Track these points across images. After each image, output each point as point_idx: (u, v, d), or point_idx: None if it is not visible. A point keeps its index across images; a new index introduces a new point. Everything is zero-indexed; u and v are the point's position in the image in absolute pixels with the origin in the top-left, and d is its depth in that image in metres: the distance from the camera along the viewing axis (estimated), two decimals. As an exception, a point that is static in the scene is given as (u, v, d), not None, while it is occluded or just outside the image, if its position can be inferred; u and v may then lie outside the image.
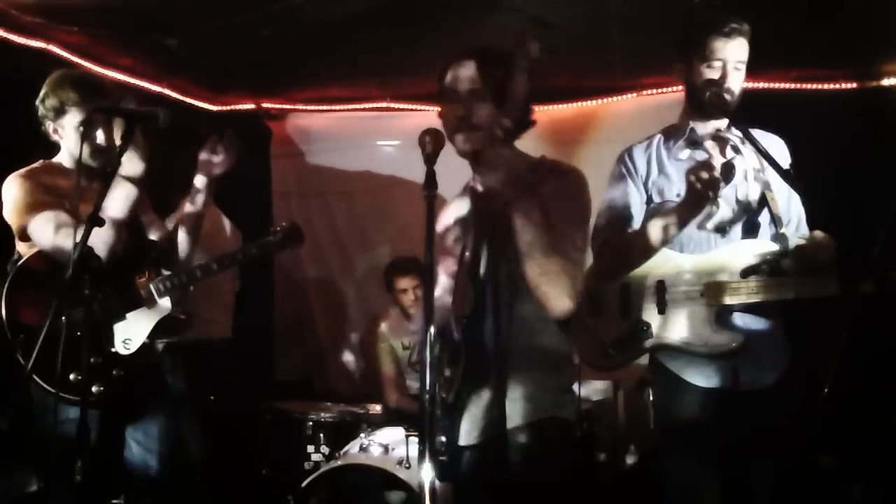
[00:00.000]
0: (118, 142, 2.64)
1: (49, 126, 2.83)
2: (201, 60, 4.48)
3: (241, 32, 4.06)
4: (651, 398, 2.87)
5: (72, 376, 2.55)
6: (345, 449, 3.72)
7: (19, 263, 2.72)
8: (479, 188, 2.26)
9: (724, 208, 2.58)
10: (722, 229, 2.61)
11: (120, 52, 4.24)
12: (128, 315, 2.81)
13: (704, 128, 2.70)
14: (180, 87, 4.90)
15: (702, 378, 2.56)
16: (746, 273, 2.56)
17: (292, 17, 3.86)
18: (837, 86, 4.52)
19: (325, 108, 5.43)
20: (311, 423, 4.00)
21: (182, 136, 2.96)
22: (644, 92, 4.82)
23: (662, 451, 2.73)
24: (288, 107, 5.49)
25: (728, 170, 2.52)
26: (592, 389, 4.40)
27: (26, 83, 3.98)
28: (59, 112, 2.78)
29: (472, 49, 2.22)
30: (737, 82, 2.58)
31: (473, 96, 2.18)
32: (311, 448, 3.95)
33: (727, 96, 2.54)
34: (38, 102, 2.83)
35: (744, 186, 2.61)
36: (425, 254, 1.80)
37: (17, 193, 2.72)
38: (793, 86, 4.57)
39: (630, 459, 4.40)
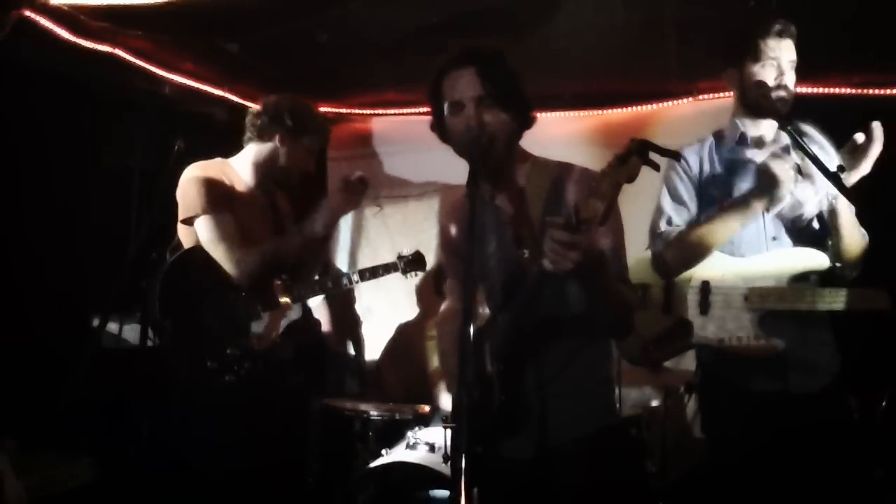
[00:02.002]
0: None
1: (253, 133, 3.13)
2: (261, 65, 4.58)
3: (299, 37, 4.14)
4: (695, 402, 2.86)
5: (209, 363, 2.82)
6: (392, 447, 3.77)
7: (178, 254, 2.94)
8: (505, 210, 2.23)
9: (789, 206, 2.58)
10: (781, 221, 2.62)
11: (183, 56, 4.36)
12: (263, 315, 3.00)
13: (756, 130, 2.70)
14: (241, 91, 5.01)
15: (747, 381, 2.54)
16: (794, 280, 2.53)
17: (349, 22, 3.93)
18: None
19: (380, 112, 5.49)
20: (360, 421, 4.06)
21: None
22: (700, 97, 4.77)
23: (709, 454, 2.71)
24: (344, 111, 5.56)
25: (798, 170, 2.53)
26: (643, 395, 4.36)
27: (93, 85, 4.18)
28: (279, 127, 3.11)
29: (468, 54, 2.15)
30: (791, 81, 2.59)
31: (480, 104, 2.11)
32: (359, 445, 4.01)
33: (784, 94, 2.56)
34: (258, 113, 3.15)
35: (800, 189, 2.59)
36: (466, 250, 1.83)
37: (196, 186, 2.93)
38: (853, 91, 4.47)
39: (680, 467, 4.34)
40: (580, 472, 2.11)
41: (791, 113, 2.60)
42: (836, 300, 2.49)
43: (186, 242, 2.97)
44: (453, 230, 2.39)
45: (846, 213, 2.53)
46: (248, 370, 2.90)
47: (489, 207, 2.25)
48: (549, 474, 2.13)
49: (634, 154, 1.71)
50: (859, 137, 2.47)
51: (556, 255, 1.80)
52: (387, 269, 3.51)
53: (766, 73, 2.58)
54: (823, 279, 2.60)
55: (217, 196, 2.91)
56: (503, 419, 2.12)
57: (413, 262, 3.59)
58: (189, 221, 2.93)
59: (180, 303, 2.85)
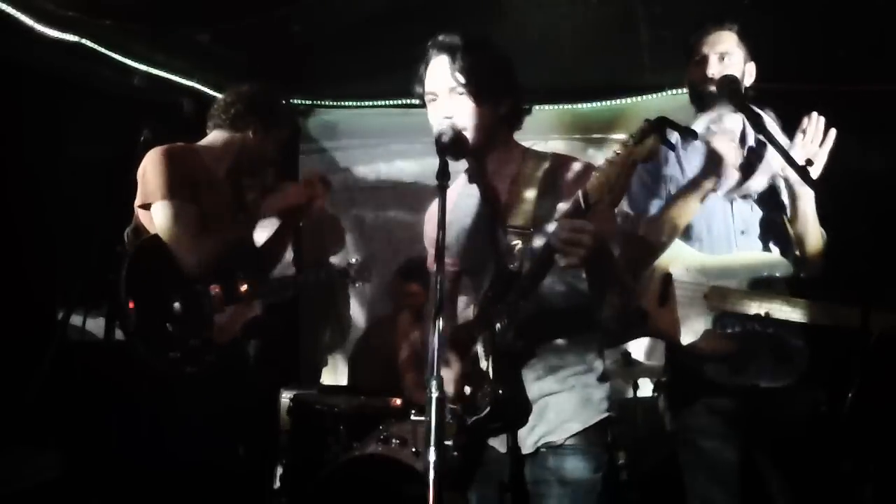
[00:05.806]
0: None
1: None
2: (232, 55, 4.54)
3: (271, 28, 4.11)
4: (665, 397, 2.87)
5: (171, 354, 2.74)
6: (364, 440, 3.76)
7: (144, 239, 2.83)
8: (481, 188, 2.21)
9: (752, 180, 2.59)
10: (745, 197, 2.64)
11: (152, 46, 4.31)
12: (226, 308, 2.92)
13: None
14: (211, 81, 4.96)
15: (715, 375, 2.55)
16: (754, 285, 2.53)
17: (321, 13, 3.91)
18: (866, 88, 4.44)
19: (352, 103, 5.46)
20: (331, 415, 4.04)
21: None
22: (671, 91, 4.79)
23: (676, 449, 2.73)
24: (316, 102, 5.53)
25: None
26: (612, 389, 4.36)
27: (59, 74, 4.11)
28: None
29: (442, 43, 2.11)
30: (732, 68, 2.63)
31: (451, 93, 2.08)
32: (331, 439, 3.98)
33: (721, 78, 2.57)
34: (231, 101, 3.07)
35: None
36: (437, 241, 1.81)
37: (157, 170, 2.81)
38: (820, 87, 4.50)
39: (650, 461, 4.37)
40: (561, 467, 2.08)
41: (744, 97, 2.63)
42: (795, 311, 2.47)
43: (151, 228, 2.85)
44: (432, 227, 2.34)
45: (806, 198, 2.53)
46: (209, 363, 2.83)
47: (477, 199, 2.23)
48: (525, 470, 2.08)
49: (653, 132, 1.65)
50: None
51: (567, 245, 1.76)
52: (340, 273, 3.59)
53: (700, 67, 2.66)
54: (786, 287, 2.60)
55: (177, 182, 2.80)
56: (499, 413, 2.03)
57: (359, 273, 3.61)
58: (147, 206, 2.84)
59: (145, 289, 2.75)
